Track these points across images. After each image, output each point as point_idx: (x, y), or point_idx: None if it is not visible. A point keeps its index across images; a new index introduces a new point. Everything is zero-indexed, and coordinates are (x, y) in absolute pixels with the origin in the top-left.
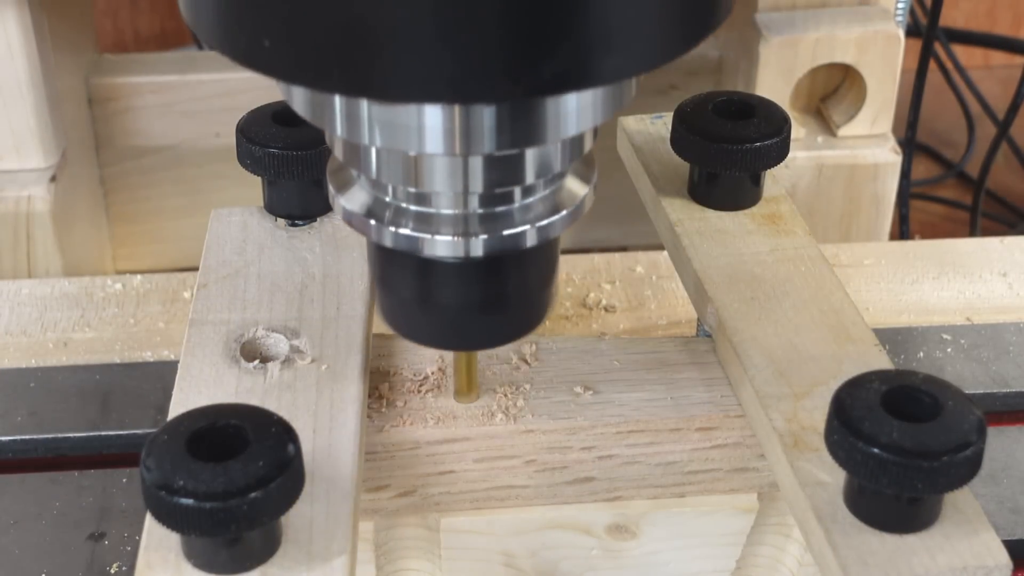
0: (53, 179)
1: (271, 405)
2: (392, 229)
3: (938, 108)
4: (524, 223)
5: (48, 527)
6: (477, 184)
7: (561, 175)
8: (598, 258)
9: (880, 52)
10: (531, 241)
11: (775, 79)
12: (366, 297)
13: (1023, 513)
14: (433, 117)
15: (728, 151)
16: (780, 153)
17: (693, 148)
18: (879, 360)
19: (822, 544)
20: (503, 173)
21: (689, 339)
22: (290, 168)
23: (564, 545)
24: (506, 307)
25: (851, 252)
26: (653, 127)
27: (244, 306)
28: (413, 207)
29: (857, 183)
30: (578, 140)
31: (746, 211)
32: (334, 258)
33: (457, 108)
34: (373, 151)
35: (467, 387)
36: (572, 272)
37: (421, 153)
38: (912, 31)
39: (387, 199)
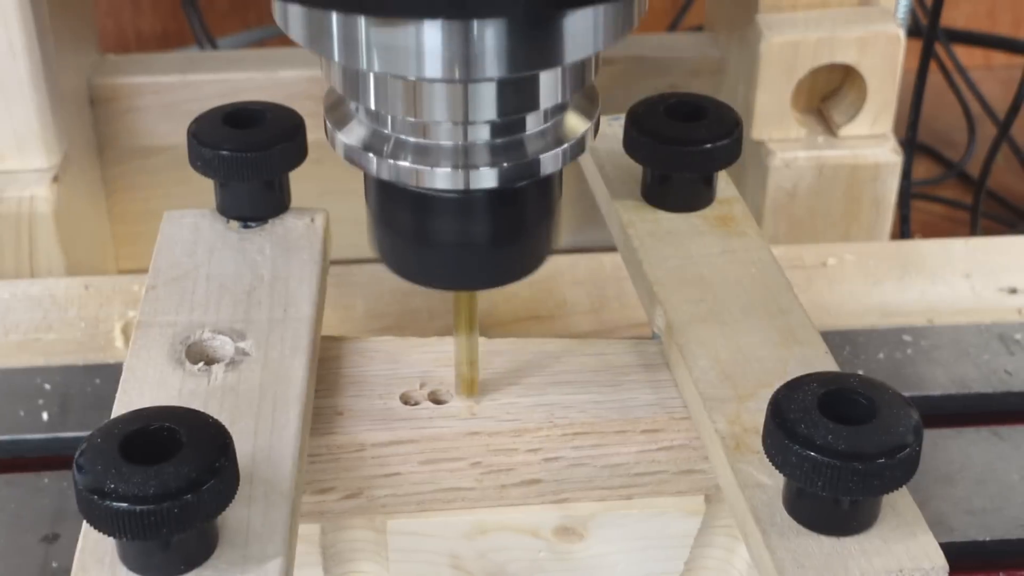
0: (55, 179)
1: (214, 407)
2: (391, 162)
3: (939, 108)
4: (524, 156)
5: (2, 529)
6: (477, 114)
7: (563, 108)
8: (562, 259)
9: (881, 52)
10: (530, 175)
11: (776, 79)
12: (314, 299)
13: (978, 515)
14: (432, 37)
15: (679, 153)
16: (731, 155)
17: (644, 150)
18: (825, 363)
19: (760, 547)
20: (503, 102)
21: (638, 341)
22: (240, 170)
23: (511, 547)
24: (505, 245)
25: (814, 253)
26: (611, 128)
27: (192, 308)
28: (412, 139)
29: (858, 183)
30: (579, 69)
31: (699, 213)
32: (284, 260)
33: (456, 27)
34: (372, 79)
35: (467, 330)
36: (537, 273)
37: (420, 78)
38: (913, 31)
39: (386, 132)
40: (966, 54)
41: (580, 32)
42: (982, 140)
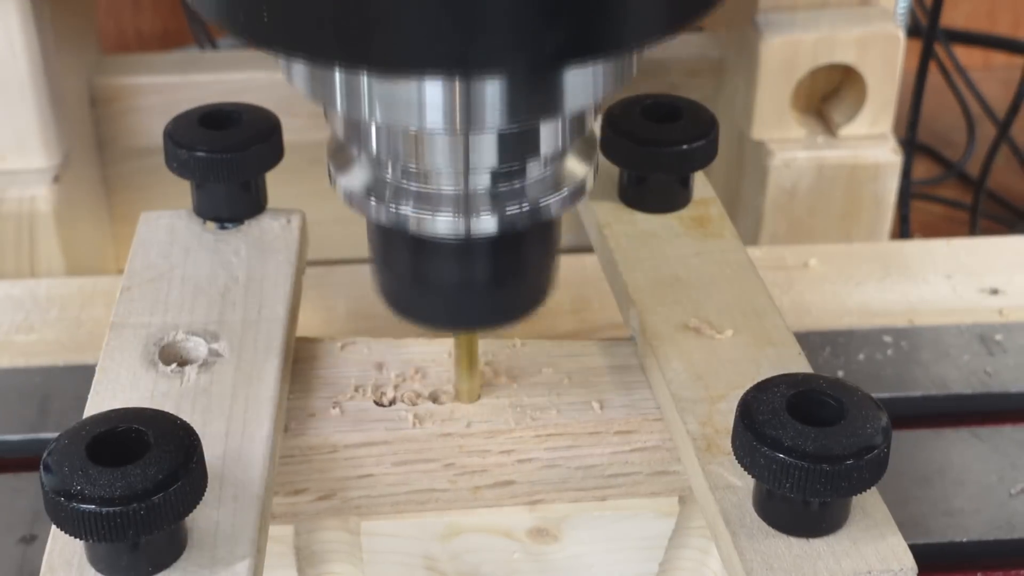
0: (56, 179)
1: (186, 408)
2: (392, 208)
3: (938, 108)
4: (524, 203)
5: None
6: (478, 163)
7: (562, 154)
8: None
9: (880, 52)
10: (531, 221)
11: (776, 79)
12: (288, 300)
13: (957, 516)
14: (434, 91)
15: (654, 154)
16: (707, 156)
17: (620, 151)
18: (798, 364)
19: (729, 548)
20: (504, 151)
21: (613, 342)
22: (216, 171)
23: (486, 548)
24: (506, 287)
25: (796, 254)
26: None
27: (166, 309)
28: (413, 186)
29: (857, 183)
30: (579, 117)
31: (675, 214)
32: (259, 261)
33: (458, 82)
34: (373, 128)
35: (468, 373)
36: None
37: (421, 129)
38: (912, 31)
39: (387, 178)
40: (966, 54)
41: (579, 84)
42: (982, 140)
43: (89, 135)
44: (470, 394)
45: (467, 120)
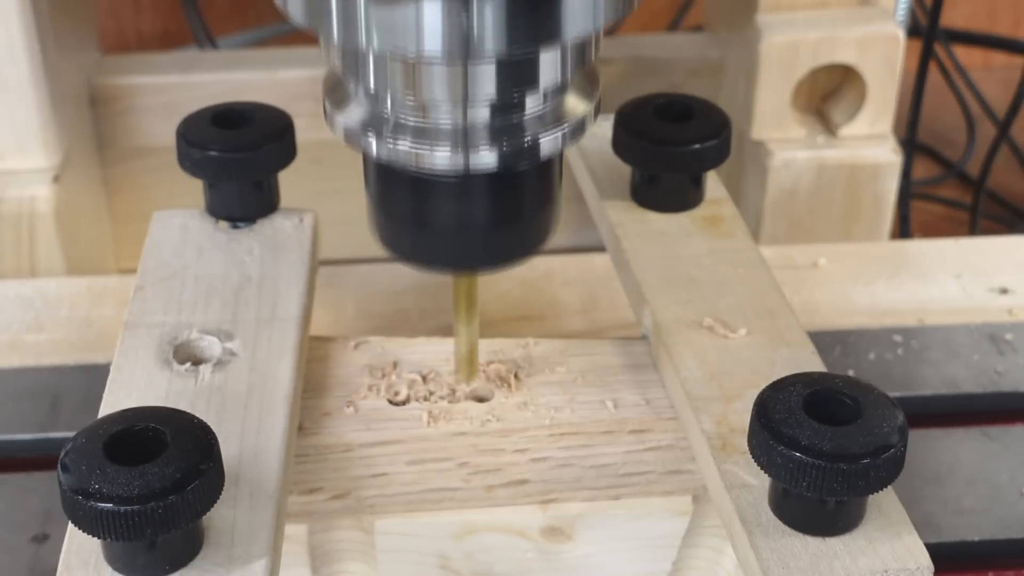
0: (56, 179)
1: (201, 407)
2: (390, 144)
3: (938, 108)
4: (524, 138)
5: None
6: (476, 94)
7: (563, 89)
8: (554, 259)
9: (880, 53)
10: (530, 156)
11: (776, 79)
12: (302, 300)
13: (967, 515)
14: (432, 13)
15: (667, 153)
16: (719, 155)
17: (633, 150)
18: (812, 363)
19: (745, 547)
20: (503, 82)
21: (626, 341)
22: (229, 170)
23: (499, 547)
24: (505, 225)
25: (805, 253)
26: (600, 129)
27: (179, 308)
28: (412, 120)
29: (857, 183)
30: (579, 48)
31: (687, 213)
32: (272, 260)
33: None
34: (371, 59)
35: (467, 315)
36: (528, 273)
37: (420, 56)
38: (913, 31)
39: (385, 113)
40: (966, 54)
41: (579, 8)
42: (982, 140)
43: (89, 135)
44: (469, 348)
45: (465, 46)
